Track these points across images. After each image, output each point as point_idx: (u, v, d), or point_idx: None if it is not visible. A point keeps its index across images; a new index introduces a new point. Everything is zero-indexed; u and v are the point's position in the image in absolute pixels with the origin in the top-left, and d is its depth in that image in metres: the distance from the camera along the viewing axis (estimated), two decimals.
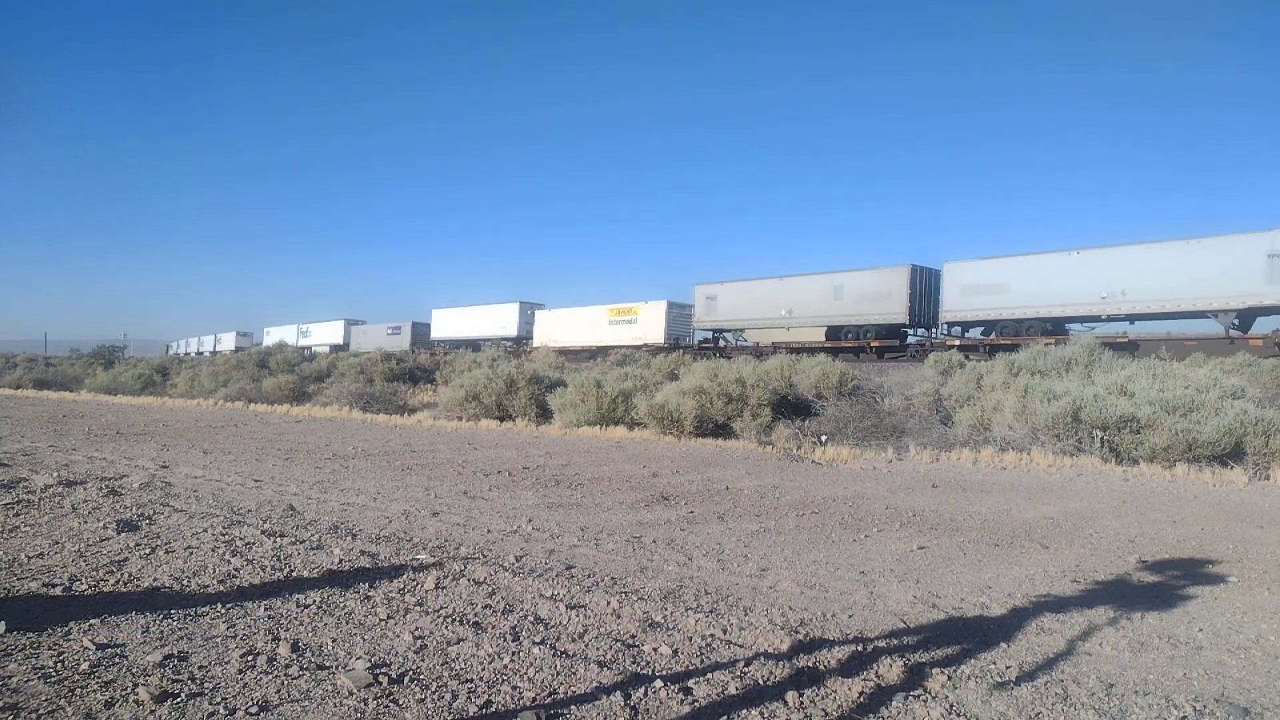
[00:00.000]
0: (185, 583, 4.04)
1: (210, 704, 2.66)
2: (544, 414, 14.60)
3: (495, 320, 45.77)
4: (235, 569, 4.31)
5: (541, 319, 42.27)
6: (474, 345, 45.78)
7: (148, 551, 4.63)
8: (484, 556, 4.81)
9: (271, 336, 68.71)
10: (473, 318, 47.49)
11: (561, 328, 40.24)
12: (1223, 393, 9.92)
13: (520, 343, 43.69)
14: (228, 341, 75.99)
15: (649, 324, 35.95)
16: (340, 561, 4.54)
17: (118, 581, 4.03)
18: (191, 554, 4.61)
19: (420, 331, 51.90)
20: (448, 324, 49.27)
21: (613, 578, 4.41)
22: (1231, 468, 8.37)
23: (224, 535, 5.10)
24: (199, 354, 73.74)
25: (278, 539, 5.02)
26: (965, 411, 10.88)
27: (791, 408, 13.05)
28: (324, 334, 62.42)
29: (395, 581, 4.17)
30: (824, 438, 11.21)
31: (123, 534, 5.03)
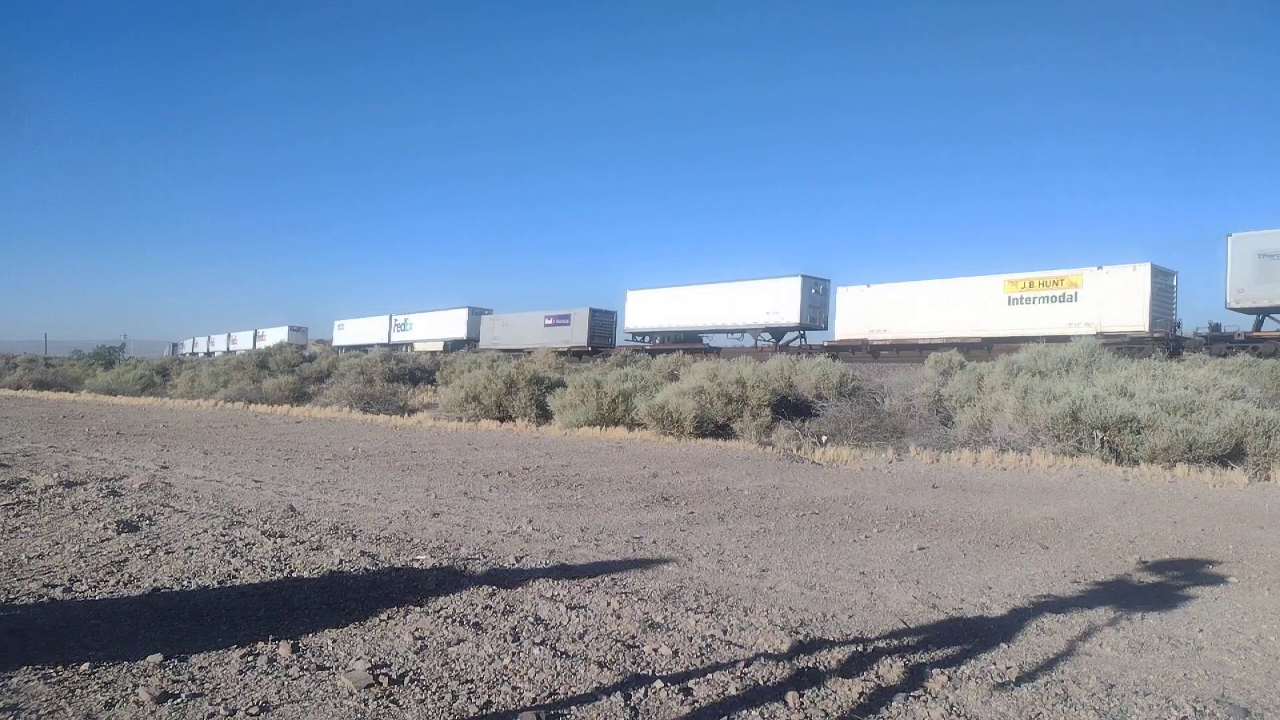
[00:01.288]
0: (185, 583, 4.04)
1: (210, 704, 2.66)
2: (544, 415, 14.61)
3: (754, 302, 31.48)
4: (235, 569, 4.31)
5: (852, 299, 28.50)
6: (695, 337, 34.03)
7: (148, 552, 4.63)
8: (484, 557, 4.81)
9: (347, 331, 57.36)
10: (707, 300, 33.74)
11: (897, 310, 27.04)
12: (1223, 393, 9.92)
13: (792, 334, 31.17)
14: (276, 337, 63.14)
15: (1109, 301, 22.68)
16: (340, 562, 4.54)
17: (118, 582, 4.03)
18: (192, 554, 4.60)
19: (602, 322, 38.45)
20: (654, 310, 35.69)
21: (613, 579, 4.41)
22: (1231, 468, 8.36)
23: (224, 536, 5.10)
24: (229, 352, 62.31)
25: (278, 539, 5.02)
26: (965, 412, 10.87)
27: (792, 408, 13.05)
28: (435, 326, 48.59)
29: (395, 582, 4.17)
30: (824, 438, 11.21)
31: (123, 534, 5.02)
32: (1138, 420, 9.07)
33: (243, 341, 70.95)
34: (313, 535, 5.23)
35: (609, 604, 3.88)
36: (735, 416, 12.27)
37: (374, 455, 10.09)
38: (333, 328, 61.30)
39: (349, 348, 53.09)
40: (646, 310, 36.54)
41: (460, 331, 46.42)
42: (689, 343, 34.12)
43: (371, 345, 50.60)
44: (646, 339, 36.45)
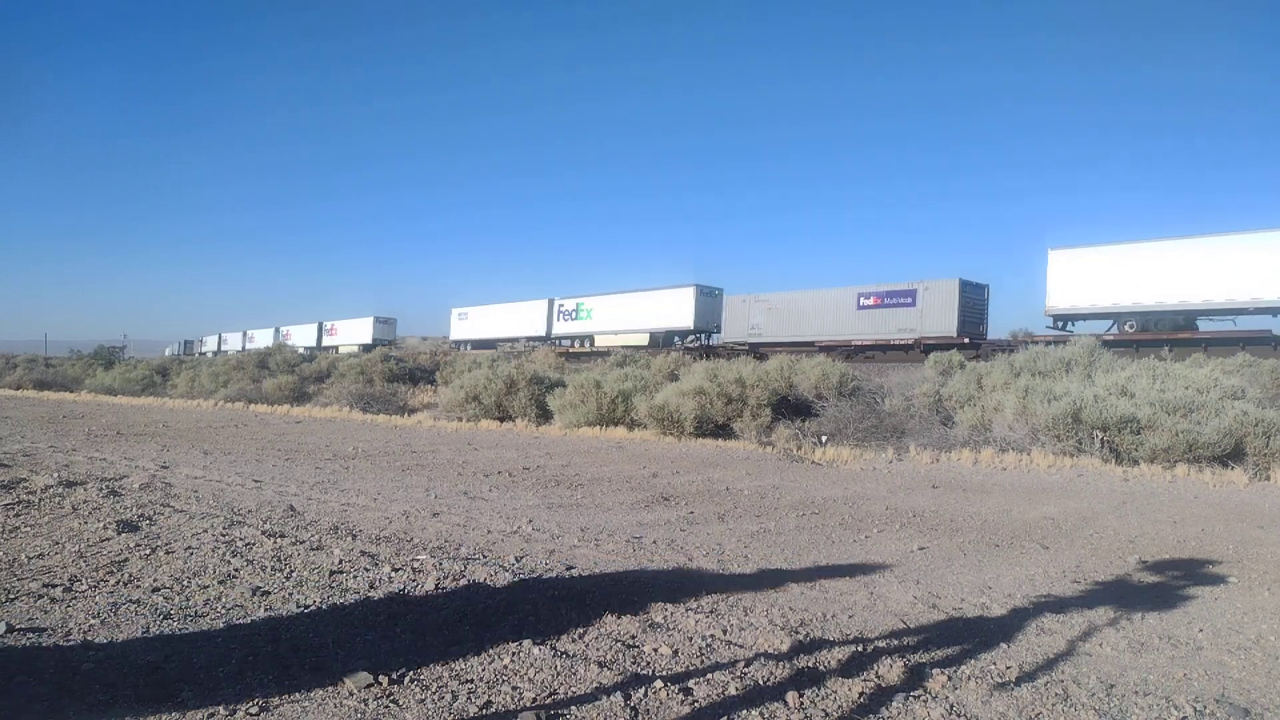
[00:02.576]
0: (185, 583, 4.04)
1: (210, 704, 2.66)
2: (544, 415, 14.61)
3: None
4: (235, 569, 4.31)
5: None
6: (1190, 321, 21.49)
7: (148, 552, 4.63)
8: (484, 557, 4.81)
9: (473, 321, 44.72)
10: (1239, 258, 20.02)
11: None
12: (1223, 393, 9.92)
13: None
14: (353, 331, 51.24)
15: None
16: (340, 562, 4.54)
17: (118, 582, 4.03)
18: (192, 554, 4.61)
19: (973, 301, 25.04)
20: (1110, 279, 22.10)
21: (613, 579, 4.40)
22: (1232, 468, 8.36)
23: (224, 536, 5.10)
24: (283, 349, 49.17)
25: (278, 539, 5.02)
26: (965, 412, 10.88)
27: (792, 408, 13.05)
28: (639, 312, 35.08)
29: (395, 582, 4.17)
30: (824, 438, 11.21)
31: (123, 534, 5.03)
32: (1138, 420, 9.07)
33: (299, 336, 56.61)
34: (313, 535, 5.23)
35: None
36: (735, 416, 12.27)
37: (374, 455, 10.09)
38: (449, 318, 47.10)
39: (477, 343, 42.70)
40: (1095, 280, 22.36)
41: (684, 319, 33.40)
42: (1185, 330, 21.37)
43: (517, 339, 40.35)
44: (1112, 325, 22.57)
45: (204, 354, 65.57)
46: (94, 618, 3.47)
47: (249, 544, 4.89)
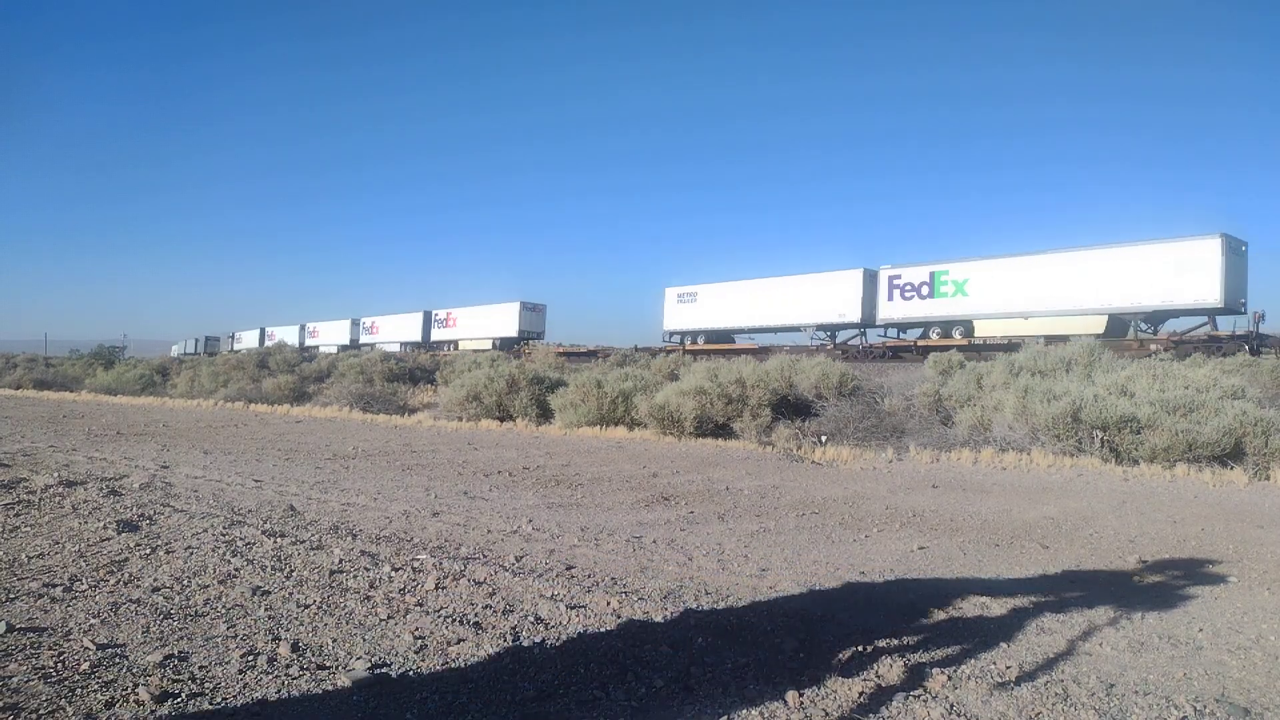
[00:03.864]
0: (186, 583, 4.04)
1: (210, 704, 2.66)
2: (544, 414, 14.62)
3: None
4: (235, 569, 4.32)
5: None
6: None
7: (148, 552, 4.63)
8: (484, 557, 4.81)
9: (704, 304, 32.74)
10: None
11: None
12: (1223, 393, 9.92)
13: None
14: (485, 322, 41.08)
15: None
16: (340, 562, 4.54)
17: (118, 581, 4.03)
18: (192, 554, 4.61)
19: None
20: None
21: (613, 578, 4.41)
22: (1231, 468, 8.36)
23: (224, 535, 5.10)
24: (354, 347, 40.09)
25: (278, 539, 5.03)
26: (965, 412, 10.88)
27: (792, 408, 13.05)
28: (1075, 284, 22.81)
29: (396, 581, 4.17)
30: (824, 438, 11.21)
31: (123, 534, 5.03)
32: (1138, 420, 9.07)
33: (389, 329, 45.54)
34: (313, 535, 5.23)
35: (609, 603, 3.88)
36: (735, 416, 12.27)
37: (374, 455, 10.09)
38: (663, 301, 34.59)
39: (713, 334, 32.55)
40: None
41: (1196, 290, 20.70)
42: None
43: (799, 327, 29.90)
44: None
45: (236, 352, 54.44)
46: (94, 617, 3.48)
47: (249, 544, 4.89)
